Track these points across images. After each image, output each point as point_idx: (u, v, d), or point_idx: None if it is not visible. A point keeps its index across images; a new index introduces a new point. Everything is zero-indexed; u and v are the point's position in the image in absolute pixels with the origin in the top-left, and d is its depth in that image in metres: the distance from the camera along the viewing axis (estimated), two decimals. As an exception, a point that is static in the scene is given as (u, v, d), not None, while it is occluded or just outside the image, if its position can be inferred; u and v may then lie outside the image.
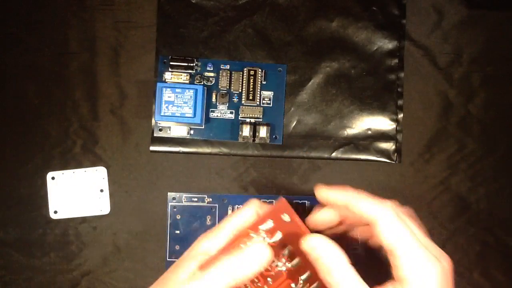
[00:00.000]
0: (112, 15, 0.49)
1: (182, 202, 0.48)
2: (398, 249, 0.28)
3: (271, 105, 0.48)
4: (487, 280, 0.49)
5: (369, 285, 0.28)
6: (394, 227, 0.29)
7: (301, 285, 0.31)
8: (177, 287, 0.29)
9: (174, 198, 0.48)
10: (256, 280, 0.31)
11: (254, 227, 0.31)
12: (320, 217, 0.33)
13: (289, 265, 0.31)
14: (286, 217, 0.30)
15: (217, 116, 0.48)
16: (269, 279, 0.31)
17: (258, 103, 0.48)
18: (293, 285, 0.31)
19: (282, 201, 0.30)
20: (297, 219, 0.30)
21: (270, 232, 0.31)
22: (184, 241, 0.48)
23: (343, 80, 0.49)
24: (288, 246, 0.31)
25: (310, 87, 0.49)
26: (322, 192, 0.32)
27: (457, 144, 0.49)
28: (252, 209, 0.32)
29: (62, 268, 0.48)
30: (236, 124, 0.48)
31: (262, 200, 0.34)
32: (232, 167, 0.49)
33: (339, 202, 0.31)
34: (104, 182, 0.48)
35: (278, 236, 0.30)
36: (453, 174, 0.49)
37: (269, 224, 0.30)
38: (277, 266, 0.31)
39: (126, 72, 0.49)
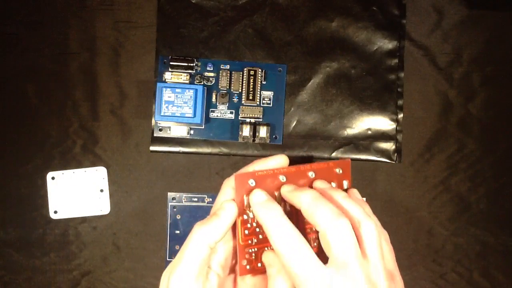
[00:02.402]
0: (112, 15, 0.49)
1: (182, 202, 0.48)
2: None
3: (271, 105, 0.48)
4: (487, 280, 0.49)
5: None
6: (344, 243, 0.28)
7: None
8: (165, 278, 0.30)
9: (174, 198, 0.48)
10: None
11: (240, 210, 0.31)
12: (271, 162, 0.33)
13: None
14: (252, 182, 0.31)
15: (217, 116, 0.48)
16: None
17: (258, 103, 0.48)
18: None
19: (237, 176, 0.30)
20: (258, 173, 0.31)
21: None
22: (184, 241, 0.48)
23: (343, 80, 0.49)
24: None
25: (310, 87, 0.49)
26: (254, 201, 0.31)
27: (457, 144, 0.49)
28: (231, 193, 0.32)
29: (62, 268, 0.48)
30: (236, 124, 0.48)
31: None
32: (232, 167, 0.49)
33: (260, 222, 0.30)
34: (104, 182, 0.48)
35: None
36: (453, 174, 0.49)
37: (247, 200, 0.31)
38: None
39: (126, 72, 0.49)
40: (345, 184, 0.34)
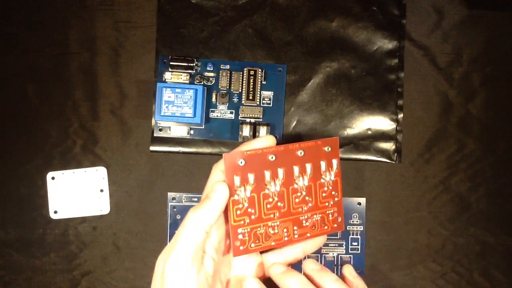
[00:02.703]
0: (112, 15, 0.49)
1: (182, 202, 0.48)
2: None
3: (271, 105, 0.48)
4: (487, 280, 0.49)
5: None
6: None
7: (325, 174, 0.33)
8: (160, 265, 0.30)
9: (174, 198, 0.48)
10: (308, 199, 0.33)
11: (231, 191, 0.31)
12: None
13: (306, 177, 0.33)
14: (241, 162, 0.31)
15: (217, 116, 0.48)
16: (307, 198, 0.33)
17: (258, 103, 0.48)
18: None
19: (226, 156, 0.30)
20: (247, 152, 0.31)
21: (245, 181, 0.31)
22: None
23: (343, 80, 0.49)
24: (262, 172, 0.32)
25: (310, 87, 0.49)
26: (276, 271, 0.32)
27: (457, 144, 0.49)
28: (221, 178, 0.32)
29: (62, 268, 0.48)
30: (236, 124, 0.48)
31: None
32: (232, 167, 0.49)
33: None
34: (104, 182, 0.48)
35: (252, 177, 0.31)
36: (453, 174, 0.49)
37: (237, 180, 0.31)
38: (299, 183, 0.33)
39: (126, 72, 0.49)
40: (335, 163, 0.34)
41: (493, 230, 0.49)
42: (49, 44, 0.48)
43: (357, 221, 0.49)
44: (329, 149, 0.33)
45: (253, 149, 0.31)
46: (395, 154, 0.49)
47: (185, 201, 0.48)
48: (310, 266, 0.31)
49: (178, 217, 0.48)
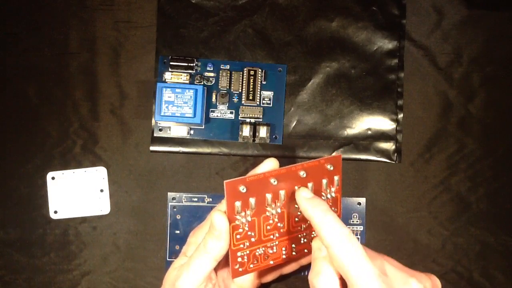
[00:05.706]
0: (112, 15, 0.49)
1: (182, 202, 0.48)
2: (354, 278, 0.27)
3: (271, 105, 0.48)
4: (487, 280, 0.49)
5: None
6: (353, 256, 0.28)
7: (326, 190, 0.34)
8: (171, 278, 0.32)
9: (174, 198, 0.48)
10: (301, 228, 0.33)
11: (232, 217, 0.31)
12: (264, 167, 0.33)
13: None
14: (242, 188, 0.30)
15: (217, 116, 0.48)
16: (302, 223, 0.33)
17: (258, 103, 0.48)
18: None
19: (227, 184, 0.30)
20: (249, 179, 0.31)
21: (246, 206, 0.31)
22: (184, 241, 0.47)
23: (343, 80, 0.49)
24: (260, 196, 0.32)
25: (310, 87, 0.49)
26: (301, 196, 0.31)
27: (457, 144, 0.49)
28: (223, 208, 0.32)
29: (62, 268, 0.48)
30: (236, 124, 0.48)
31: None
32: (232, 167, 0.49)
33: (309, 216, 0.30)
34: (104, 182, 0.48)
35: (253, 201, 0.31)
36: (453, 174, 0.49)
37: (238, 204, 0.31)
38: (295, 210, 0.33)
39: (126, 72, 0.49)
40: (336, 179, 0.33)
41: (493, 230, 0.49)
42: (49, 44, 0.48)
43: (357, 221, 0.49)
44: (332, 167, 0.33)
45: (255, 174, 0.31)
46: (395, 154, 0.49)
47: (185, 201, 0.48)
48: (303, 193, 0.31)
49: (178, 217, 0.48)
